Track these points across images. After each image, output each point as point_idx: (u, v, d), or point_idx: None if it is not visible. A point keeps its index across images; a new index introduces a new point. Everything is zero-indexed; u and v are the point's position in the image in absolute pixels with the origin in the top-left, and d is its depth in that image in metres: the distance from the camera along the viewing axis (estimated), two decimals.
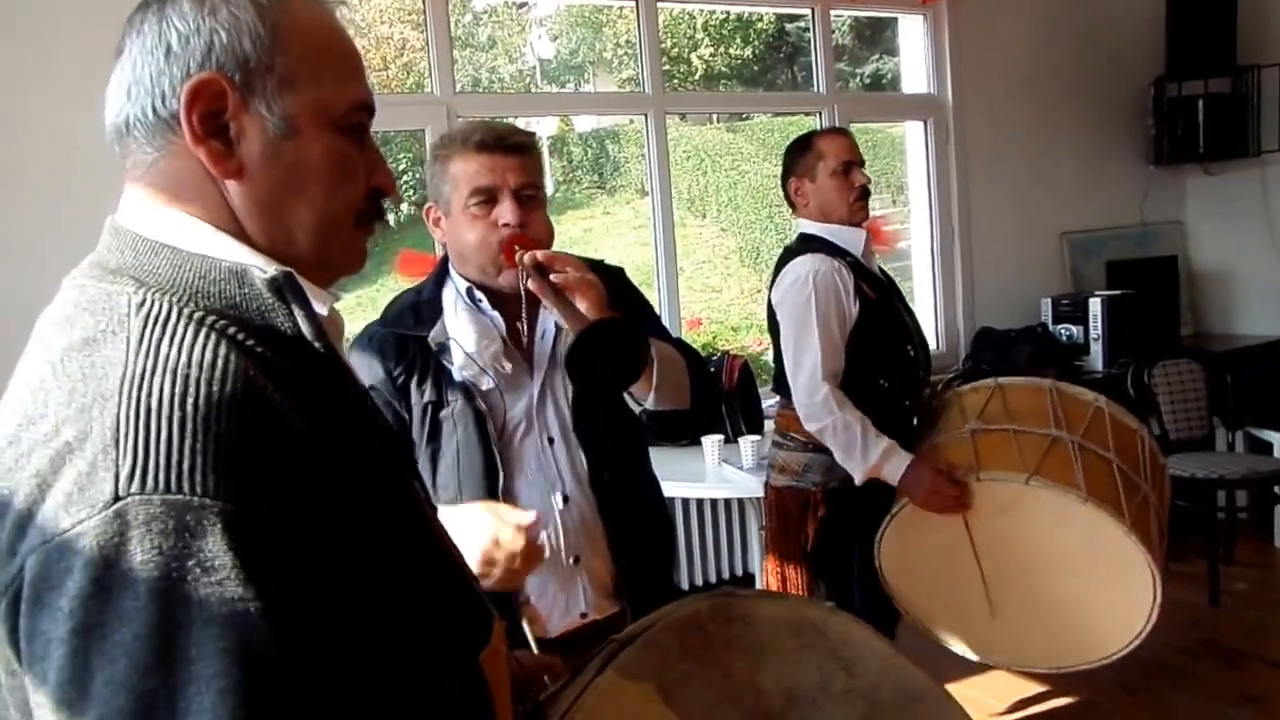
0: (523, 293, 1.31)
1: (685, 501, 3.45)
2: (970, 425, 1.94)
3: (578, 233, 10.05)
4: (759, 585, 3.31)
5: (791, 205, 2.21)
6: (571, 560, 1.39)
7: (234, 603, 0.52)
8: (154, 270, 0.65)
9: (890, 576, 2.05)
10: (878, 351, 2.07)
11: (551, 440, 1.40)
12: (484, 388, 1.38)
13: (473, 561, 1.08)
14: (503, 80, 11.05)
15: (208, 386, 0.56)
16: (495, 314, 1.40)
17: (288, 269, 0.68)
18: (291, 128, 0.69)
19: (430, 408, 1.38)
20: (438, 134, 2.96)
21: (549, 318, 1.41)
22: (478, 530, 1.13)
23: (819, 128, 2.23)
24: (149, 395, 0.55)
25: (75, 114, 2.53)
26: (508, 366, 1.39)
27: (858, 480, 2.00)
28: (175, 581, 0.51)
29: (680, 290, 3.63)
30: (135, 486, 0.53)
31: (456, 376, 1.38)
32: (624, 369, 1.19)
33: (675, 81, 10.43)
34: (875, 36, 10.59)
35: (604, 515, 1.40)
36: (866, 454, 1.96)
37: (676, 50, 10.95)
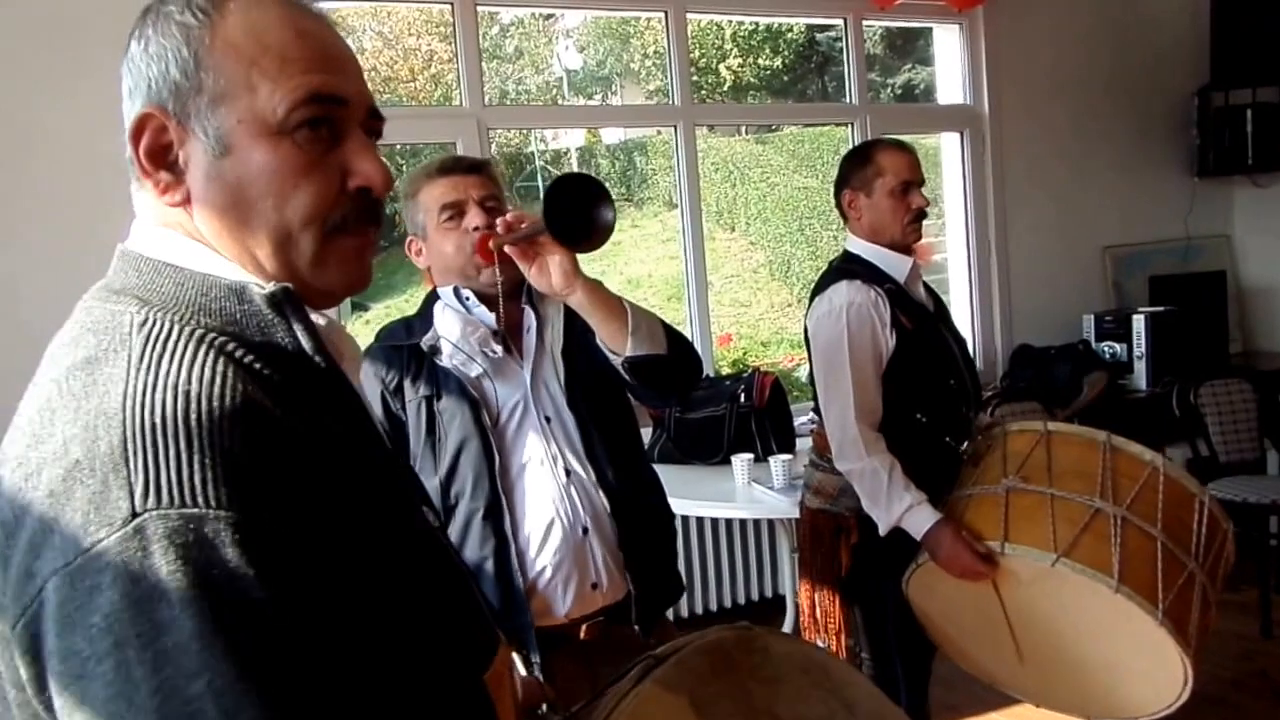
0: (499, 288, 1.46)
1: (714, 522, 3.40)
2: (1007, 482, 1.82)
3: (605, 246, 10.01)
4: (791, 609, 3.29)
5: (844, 217, 2.12)
6: (581, 532, 1.50)
7: (258, 607, 0.54)
8: (158, 289, 0.66)
9: (921, 612, 2.00)
10: (915, 384, 1.98)
11: (549, 419, 1.51)
12: (473, 374, 1.49)
13: None
14: (529, 92, 11.09)
15: (209, 402, 0.57)
16: (482, 308, 1.53)
17: (287, 284, 0.68)
18: (225, 145, 0.67)
19: (425, 401, 1.51)
20: (468, 147, 3.04)
21: (531, 314, 1.55)
22: None
23: (878, 138, 2.11)
24: (152, 413, 0.56)
25: (103, 128, 2.54)
26: (498, 350, 1.51)
27: (881, 531, 1.91)
28: (204, 590, 0.53)
29: (709, 305, 3.58)
30: (151, 502, 0.54)
31: (446, 364, 1.50)
32: (595, 210, 1.26)
33: (704, 93, 10.41)
34: (907, 46, 10.51)
35: (603, 486, 1.50)
36: (890, 507, 1.88)
37: (705, 61, 10.93)
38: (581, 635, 1.50)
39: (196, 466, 0.55)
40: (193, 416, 0.56)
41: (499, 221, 1.40)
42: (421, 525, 0.74)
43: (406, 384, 1.52)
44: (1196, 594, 1.74)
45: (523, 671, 1.12)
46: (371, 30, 10.11)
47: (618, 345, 1.42)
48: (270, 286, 0.67)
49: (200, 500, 0.54)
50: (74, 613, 0.53)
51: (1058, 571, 1.70)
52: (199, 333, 0.62)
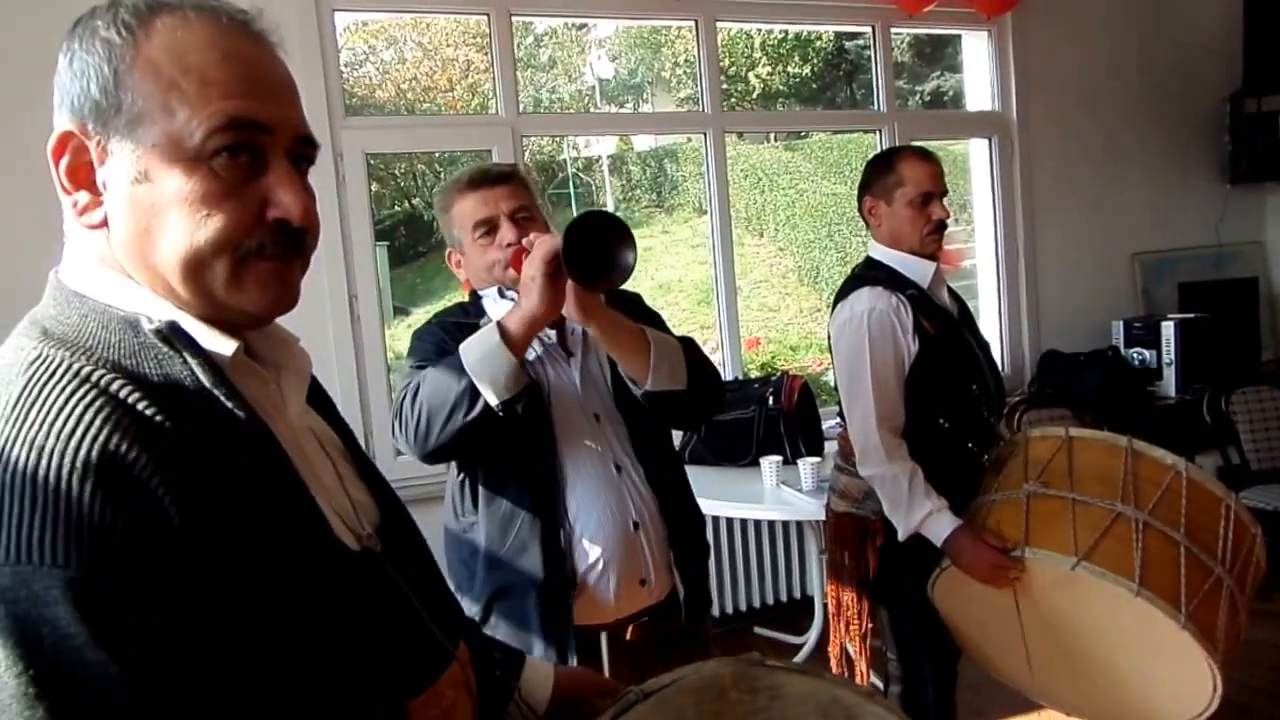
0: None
1: (744, 523, 3.40)
2: (1028, 487, 1.82)
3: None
4: (820, 610, 3.27)
5: (866, 222, 2.12)
6: (632, 526, 1.50)
7: (89, 667, 0.53)
8: (65, 319, 0.65)
9: (946, 616, 1.99)
10: (937, 390, 1.96)
11: (598, 416, 1.52)
12: (529, 358, 1.48)
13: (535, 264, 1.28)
14: (562, 100, 11.18)
15: (60, 456, 0.56)
16: None
17: (171, 319, 0.66)
18: (141, 169, 0.65)
19: None
20: (502, 154, 3.06)
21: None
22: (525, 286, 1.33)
23: (903, 145, 2.11)
24: (5, 470, 0.56)
25: None
26: (551, 335, 1.53)
27: (901, 536, 1.92)
28: (34, 646, 0.53)
29: (738, 309, 3.61)
30: None
31: None
32: (616, 252, 1.25)
33: (733, 100, 10.44)
34: (936, 53, 10.47)
35: (652, 485, 1.52)
36: (910, 513, 1.88)
37: (734, 69, 10.97)
38: (628, 636, 1.51)
39: (37, 523, 0.54)
40: (41, 473, 0.55)
41: (525, 243, 1.41)
42: (342, 553, 0.71)
43: None
44: (1224, 599, 1.70)
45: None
46: (412, 41, 10.26)
47: (638, 378, 1.44)
48: (157, 321, 0.65)
49: (36, 556, 0.53)
50: None
51: (1079, 576, 1.69)
52: (85, 370, 0.61)
